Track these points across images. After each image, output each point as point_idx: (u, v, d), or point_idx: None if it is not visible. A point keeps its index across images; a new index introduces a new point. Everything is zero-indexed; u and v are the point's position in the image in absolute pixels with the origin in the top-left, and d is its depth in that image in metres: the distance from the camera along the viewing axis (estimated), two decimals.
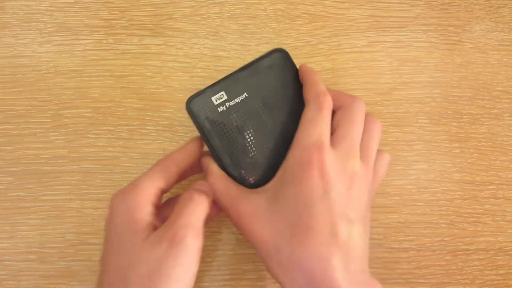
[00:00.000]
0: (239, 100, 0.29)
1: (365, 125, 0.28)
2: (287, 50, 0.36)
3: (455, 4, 0.37)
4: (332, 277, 0.24)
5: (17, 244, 0.33)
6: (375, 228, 0.34)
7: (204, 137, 0.29)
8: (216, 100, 0.29)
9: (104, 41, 0.36)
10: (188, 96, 0.33)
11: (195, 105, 0.29)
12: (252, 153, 0.29)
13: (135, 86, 0.36)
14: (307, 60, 0.36)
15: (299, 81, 0.30)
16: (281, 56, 0.30)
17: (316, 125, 0.26)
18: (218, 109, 0.29)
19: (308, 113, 0.27)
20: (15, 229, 0.34)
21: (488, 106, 0.36)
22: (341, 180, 0.26)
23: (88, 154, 0.35)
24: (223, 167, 0.29)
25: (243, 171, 0.28)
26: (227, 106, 0.29)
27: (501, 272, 0.34)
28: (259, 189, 0.28)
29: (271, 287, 0.33)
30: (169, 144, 0.35)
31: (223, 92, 0.29)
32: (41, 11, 0.37)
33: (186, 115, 0.35)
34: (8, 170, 0.34)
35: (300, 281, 0.24)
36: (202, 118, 0.29)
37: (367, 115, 0.29)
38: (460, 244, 0.34)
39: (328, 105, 0.27)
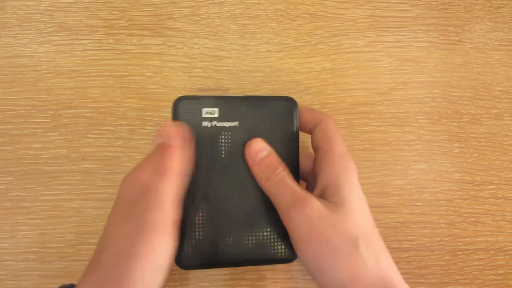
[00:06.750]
0: (228, 125, 0.26)
1: None
2: (287, 51, 0.36)
3: (455, 4, 0.37)
4: None
5: (17, 244, 0.33)
6: None
7: None
8: (206, 113, 0.26)
9: (104, 41, 0.36)
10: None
11: (183, 106, 0.26)
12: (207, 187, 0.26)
13: (135, 86, 0.36)
14: (307, 60, 0.36)
15: (292, 134, 0.27)
16: (288, 105, 0.27)
17: (341, 141, 0.26)
18: (203, 122, 0.26)
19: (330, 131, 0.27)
20: (15, 229, 0.34)
21: (488, 106, 0.36)
22: None
23: (88, 154, 0.35)
24: None
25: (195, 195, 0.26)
26: (214, 124, 0.26)
27: (500, 272, 0.34)
28: None
29: (271, 287, 0.33)
30: None
31: (216, 109, 0.26)
32: (41, 11, 0.37)
33: None
34: (8, 170, 0.34)
35: None
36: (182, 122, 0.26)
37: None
38: (460, 244, 0.34)
39: None
